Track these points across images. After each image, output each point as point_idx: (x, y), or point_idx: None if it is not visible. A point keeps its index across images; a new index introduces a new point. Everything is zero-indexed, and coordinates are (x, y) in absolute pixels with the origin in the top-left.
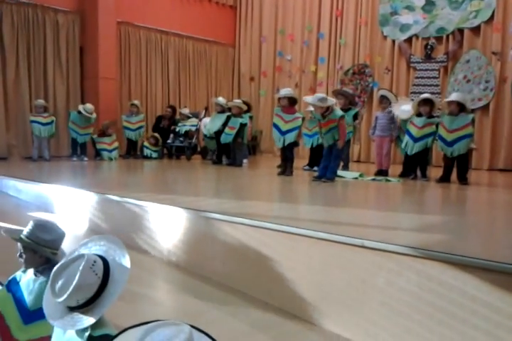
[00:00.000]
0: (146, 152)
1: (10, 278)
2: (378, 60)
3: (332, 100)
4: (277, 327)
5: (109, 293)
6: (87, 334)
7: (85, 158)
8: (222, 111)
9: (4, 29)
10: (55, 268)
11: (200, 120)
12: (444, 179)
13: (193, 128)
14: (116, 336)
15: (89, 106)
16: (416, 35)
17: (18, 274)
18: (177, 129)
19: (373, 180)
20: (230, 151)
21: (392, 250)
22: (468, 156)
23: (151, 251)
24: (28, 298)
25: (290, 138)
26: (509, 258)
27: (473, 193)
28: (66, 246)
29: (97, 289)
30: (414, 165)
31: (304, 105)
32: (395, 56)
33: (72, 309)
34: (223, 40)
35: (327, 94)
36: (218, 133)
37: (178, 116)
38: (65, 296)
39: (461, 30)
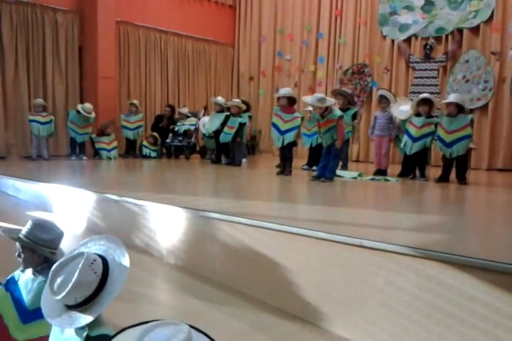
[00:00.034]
0: (145, 151)
1: (8, 277)
2: (377, 60)
3: (331, 100)
4: (276, 327)
5: (108, 292)
6: (84, 334)
7: (84, 158)
8: (221, 111)
9: (3, 28)
10: (55, 265)
11: (199, 119)
12: (443, 179)
13: (192, 128)
14: (114, 335)
15: (87, 105)
16: (415, 35)
17: (17, 273)
18: (176, 129)
19: (372, 179)
20: (229, 151)
21: (391, 250)
22: (467, 156)
23: (149, 250)
24: (26, 297)
25: (289, 137)
26: (508, 258)
27: (472, 193)
28: (65, 245)
29: (96, 287)
30: (413, 165)
31: (302, 105)
32: (394, 56)
33: (70, 307)
34: (222, 40)
35: (326, 93)
36: (217, 132)
37: (177, 116)
38: (64, 294)
39: (460, 30)
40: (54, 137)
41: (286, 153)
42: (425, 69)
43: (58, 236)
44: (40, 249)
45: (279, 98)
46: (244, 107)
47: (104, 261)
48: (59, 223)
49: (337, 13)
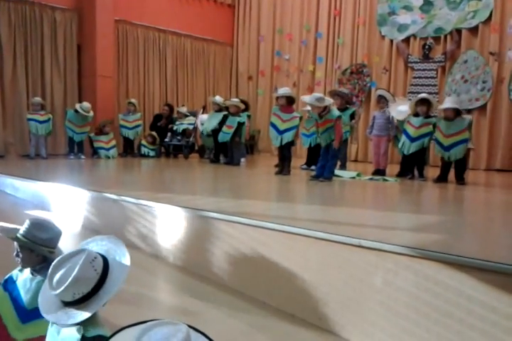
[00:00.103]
0: (144, 150)
1: (6, 277)
2: (376, 60)
3: (329, 100)
4: (275, 327)
5: (106, 291)
6: (80, 335)
7: (82, 156)
8: (220, 110)
9: (1, 27)
10: (55, 260)
11: (197, 117)
12: (442, 179)
13: (191, 127)
14: (113, 335)
15: (86, 104)
16: (414, 35)
17: (15, 273)
18: (174, 128)
19: (371, 179)
20: (227, 150)
21: (390, 250)
22: (465, 156)
23: (148, 249)
24: (25, 297)
25: (287, 137)
26: (506, 259)
27: (471, 193)
28: (63, 244)
29: (95, 285)
30: (412, 165)
31: (301, 104)
32: (393, 56)
33: (67, 305)
34: (221, 39)
35: (325, 93)
36: (215, 131)
37: (175, 115)
38: (63, 288)
39: (458, 31)
40: (52, 136)
41: (285, 153)
42: (424, 70)
43: (56, 235)
44: (39, 248)
45: (277, 98)
46: (242, 107)
47: (105, 260)
48: (57, 222)
49: (336, 13)
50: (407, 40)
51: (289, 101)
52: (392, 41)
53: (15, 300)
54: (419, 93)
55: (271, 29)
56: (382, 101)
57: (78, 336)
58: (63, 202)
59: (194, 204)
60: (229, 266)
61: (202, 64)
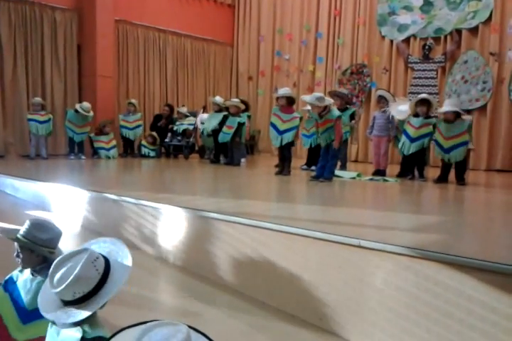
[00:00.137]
0: (144, 151)
1: (6, 277)
2: (376, 60)
3: (330, 100)
4: (275, 327)
5: (106, 292)
6: (79, 336)
7: (83, 157)
8: (219, 111)
9: (2, 27)
10: (57, 259)
11: (197, 117)
12: (442, 179)
13: (191, 127)
14: (113, 336)
15: (86, 104)
16: (414, 36)
17: (15, 274)
18: (175, 128)
19: (371, 180)
20: (227, 150)
21: (389, 250)
22: (465, 157)
23: (148, 250)
24: (25, 297)
25: (287, 137)
26: (506, 259)
27: (471, 194)
28: (63, 245)
29: (95, 285)
30: (412, 166)
31: (301, 104)
32: (393, 56)
33: (66, 304)
34: (221, 39)
35: (325, 94)
36: (216, 132)
37: (175, 115)
38: (63, 286)
39: (459, 31)
40: (53, 136)
41: (285, 153)
42: (424, 70)
43: (57, 235)
44: (39, 248)
45: (278, 98)
46: (243, 107)
47: (107, 261)
48: (57, 222)
49: (336, 13)
50: (407, 41)
51: (289, 101)
52: (392, 41)
53: (15, 300)
54: (419, 93)
55: (271, 29)
56: (382, 101)
57: (78, 337)
58: (63, 203)
59: (194, 204)
60: (229, 266)
61: (202, 64)
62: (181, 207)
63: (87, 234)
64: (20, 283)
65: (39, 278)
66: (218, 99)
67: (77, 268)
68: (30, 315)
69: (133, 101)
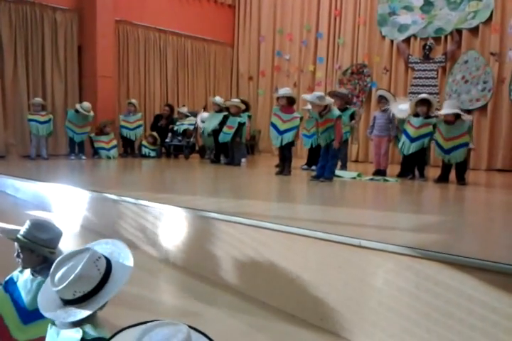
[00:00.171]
0: (144, 151)
1: (7, 278)
2: (377, 60)
3: (330, 99)
4: (275, 327)
5: (107, 292)
6: (79, 337)
7: (83, 157)
8: (220, 111)
9: (2, 27)
10: (59, 258)
11: (197, 117)
12: (442, 179)
13: (191, 127)
14: (113, 336)
15: (86, 104)
16: (414, 36)
17: (15, 274)
18: (175, 128)
19: (371, 179)
20: (228, 150)
21: (390, 250)
22: (466, 157)
23: (148, 250)
24: (26, 297)
25: (288, 137)
26: (506, 259)
27: (471, 193)
28: (64, 245)
29: (96, 285)
30: (412, 165)
31: (302, 103)
32: (394, 56)
33: (67, 303)
34: (222, 40)
35: (325, 94)
36: (216, 132)
37: (176, 115)
38: (64, 284)
39: (459, 31)
40: (53, 136)
41: (286, 153)
42: (424, 70)
43: (57, 235)
44: (39, 248)
45: (278, 98)
46: (243, 107)
47: (108, 262)
48: (57, 222)
49: (336, 13)
50: (407, 41)
51: (290, 101)
52: (392, 41)
53: (16, 301)
54: (419, 93)
55: (271, 29)
56: (382, 101)
57: (78, 338)
58: (64, 203)
59: (194, 204)
60: (229, 266)
61: (202, 64)
62: (182, 207)
63: (87, 234)
64: (20, 284)
65: (39, 278)
66: (218, 99)
67: (79, 267)
68: (30, 315)
69: (133, 101)
